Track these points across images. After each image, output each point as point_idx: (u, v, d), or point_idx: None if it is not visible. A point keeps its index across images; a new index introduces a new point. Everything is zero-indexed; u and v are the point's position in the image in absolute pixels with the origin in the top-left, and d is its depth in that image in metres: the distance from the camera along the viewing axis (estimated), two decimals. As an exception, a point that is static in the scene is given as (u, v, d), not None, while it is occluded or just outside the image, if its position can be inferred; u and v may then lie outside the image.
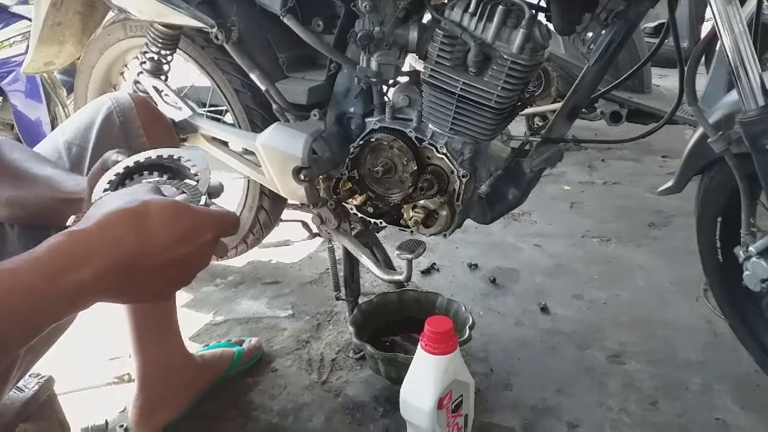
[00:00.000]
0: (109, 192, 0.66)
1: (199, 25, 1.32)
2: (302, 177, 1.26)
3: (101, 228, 0.54)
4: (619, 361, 1.42)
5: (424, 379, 1.02)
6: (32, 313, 0.52)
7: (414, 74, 1.31)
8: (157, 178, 0.68)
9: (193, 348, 1.37)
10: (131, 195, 0.58)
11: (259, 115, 1.53)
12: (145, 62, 1.54)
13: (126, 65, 1.76)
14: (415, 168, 1.23)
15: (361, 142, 1.28)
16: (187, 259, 0.58)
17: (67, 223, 0.76)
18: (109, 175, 0.68)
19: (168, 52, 1.52)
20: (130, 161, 0.70)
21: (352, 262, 1.46)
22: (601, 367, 1.40)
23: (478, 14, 1.09)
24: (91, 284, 0.53)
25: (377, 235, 1.54)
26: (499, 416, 1.25)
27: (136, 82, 1.59)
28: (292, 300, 1.71)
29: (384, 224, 1.34)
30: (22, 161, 0.83)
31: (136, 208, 0.55)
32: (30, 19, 2.12)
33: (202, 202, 0.64)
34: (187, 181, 0.68)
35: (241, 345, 1.41)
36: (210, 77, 1.55)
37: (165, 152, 0.70)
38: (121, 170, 0.68)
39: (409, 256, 1.24)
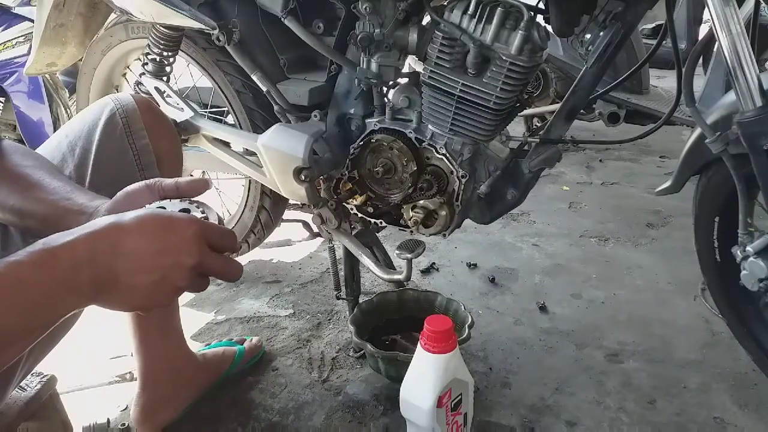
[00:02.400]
0: None
1: (201, 26, 1.32)
2: (303, 177, 1.27)
3: (85, 227, 0.60)
4: (618, 360, 1.42)
5: (424, 377, 1.03)
6: (26, 306, 0.55)
7: (414, 75, 1.32)
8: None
9: (195, 347, 1.37)
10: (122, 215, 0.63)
11: (260, 116, 1.53)
12: (147, 63, 1.54)
13: (128, 66, 1.77)
14: (415, 168, 1.24)
15: (362, 143, 1.29)
16: (169, 267, 0.60)
17: None
18: None
19: (170, 54, 1.52)
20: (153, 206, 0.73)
21: (352, 261, 1.47)
22: (600, 366, 1.41)
23: (477, 16, 1.09)
24: (75, 274, 0.57)
25: (377, 234, 1.55)
26: (498, 415, 1.25)
27: (138, 84, 1.60)
28: (293, 299, 1.72)
29: (384, 224, 1.35)
30: (32, 168, 0.82)
31: (118, 216, 0.62)
32: (32, 21, 2.14)
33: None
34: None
35: (242, 344, 1.42)
36: (211, 78, 1.56)
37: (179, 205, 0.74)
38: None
39: (409, 256, 1.25)
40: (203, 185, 0.75)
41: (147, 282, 0.60)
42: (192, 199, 0.75)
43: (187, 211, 0.72)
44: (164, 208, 0.73)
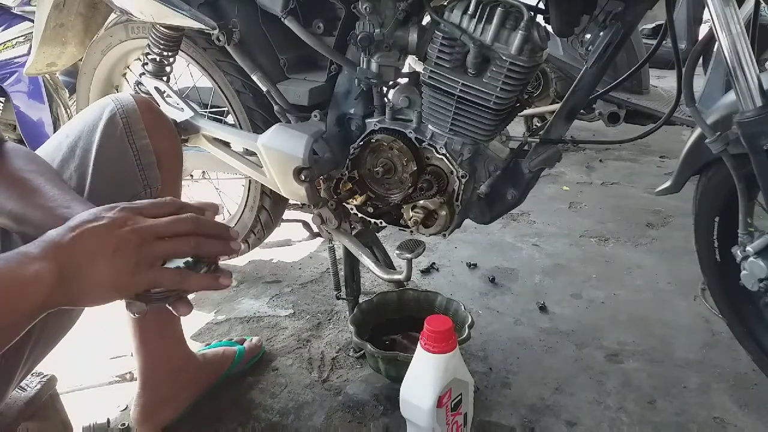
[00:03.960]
0: None
1: (201, 26, 1.32)
2: (303, 177, 1.27)
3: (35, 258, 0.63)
4: (618, 360, 1.42)
5: (424, 377, 1.03)
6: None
7: (414, 75, 1.32)
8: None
9: (195, 347, 1.37)
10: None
11: (260, 116, 1.53)
12: (147, 63, 1.54)
13: (128, 66, 1.77)
14: (415, 168, 1.24)
15: (362, 143, 1.29)
16: (120, 247, 0.64)
17: None
18: None
19: (170, 54, 1.52)
20: None
21: (352, 261, 1.47)
22: (600, 366, 1.41)
23: (477, 16, 1.09)
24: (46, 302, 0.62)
25: (377, 234, 1.55)
26: (498, 415, 1.25)
27: (138, 84, 1.60)
28: (293, 299, 1.72)
29: (384, 224, 1.35)
30: (33, 174, 0.82)
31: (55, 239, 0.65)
32: (32, 21, 2.13)
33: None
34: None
35: (242, 344, 1.42)
36: (211, 78, 1.56)
37: None
38: None
39: (409, 256, 1.25)
40: (212, 209, 0.77)
41: (112, 274, 0.64)
42: None
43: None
44: None
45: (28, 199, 0.78)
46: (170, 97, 1.56)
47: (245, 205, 1.69)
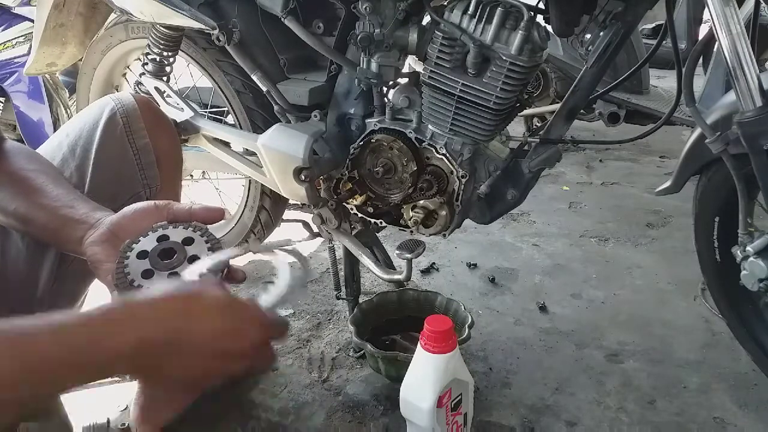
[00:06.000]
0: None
1: (201, 26, 1.33)
2: (303, 177, 1.27)
3: (152, 303, 0.56)
4: (618, 360, 1.42)
5: (424, 377, 1.03)
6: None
7: (414, 75, 1.32)
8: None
9: (195, 347, 1.37)
10: (186, 284, 0.61)
11: (260, 115, 1.53)
12: (147, 63, 1.54)
13: (128, 66, 1.77)
14: (415, 168, 1.24)
15: (362, 143, 1.29)
16: (230, 353, 0.58)
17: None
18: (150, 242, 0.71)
19: (170, 54, 1.52)
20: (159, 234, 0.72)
21: (352, 261, 1.47)
22: (600, 366, 1.41)
23: (477, 16, 1.10)
24: (128, 352, 0.53)
25: (377, 234, 1.55)
26: (498, 415, 1.25)
27: (138, 84, 1.60)
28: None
29: (384, 224, 1.35)
30: (36, 173, 0.82)
31: (191, 293, 0.58)
32: (32, 21, 2.14)
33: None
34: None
35: (242, 344, 1.41)
36: (211, 78, 1.56)
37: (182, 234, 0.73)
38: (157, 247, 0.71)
39: (409, 256, 1.25)
40: (218, 214, 0.76)
41: (189, 369, 0.59)
42: (197, 225, 0.74)
43: (190, 240, 0.72)
44: (167, 237, 0.71)
45: (32, 199, 0.78)
46: (170, 97, 1.56)
47: (245, 205, 1.69)
